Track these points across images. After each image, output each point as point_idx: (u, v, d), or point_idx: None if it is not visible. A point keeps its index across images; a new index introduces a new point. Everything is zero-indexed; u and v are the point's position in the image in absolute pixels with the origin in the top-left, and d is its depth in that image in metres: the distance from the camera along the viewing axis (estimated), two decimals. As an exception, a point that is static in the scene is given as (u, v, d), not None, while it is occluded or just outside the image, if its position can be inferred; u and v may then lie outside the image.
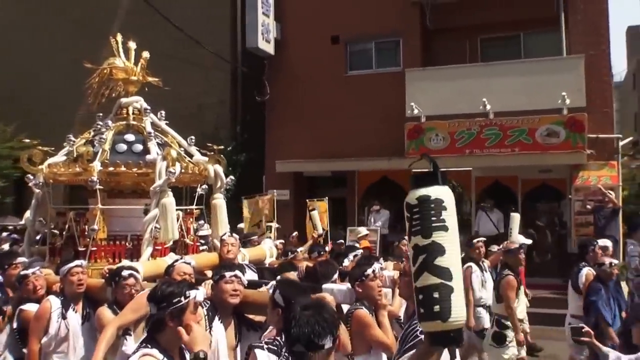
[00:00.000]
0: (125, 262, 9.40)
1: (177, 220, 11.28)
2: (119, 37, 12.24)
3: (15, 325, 9.26)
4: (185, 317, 5.43)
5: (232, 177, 12.42)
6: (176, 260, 8.79)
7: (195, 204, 12.34)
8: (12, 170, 29.98)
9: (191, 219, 12.29)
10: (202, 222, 12.90)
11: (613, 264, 11.91)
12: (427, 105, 24.74)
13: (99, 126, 11.64)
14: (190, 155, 12.07)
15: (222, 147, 12.47)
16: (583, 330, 9.35)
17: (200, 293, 5.65)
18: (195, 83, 22.78)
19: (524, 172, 24.79)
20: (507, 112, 23.71)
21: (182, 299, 5.46)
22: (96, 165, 10.78)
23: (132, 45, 12.33)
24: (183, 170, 11.28)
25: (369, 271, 7.65)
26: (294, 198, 26.60)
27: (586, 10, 24.07)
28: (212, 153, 12.14)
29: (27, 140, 12.08)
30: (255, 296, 7.70)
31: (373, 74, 27.81)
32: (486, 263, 14.12)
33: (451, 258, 3.49)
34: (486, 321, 13.27)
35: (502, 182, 25.86)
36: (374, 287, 7.66)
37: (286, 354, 5.13)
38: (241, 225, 18.45)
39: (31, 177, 11.53)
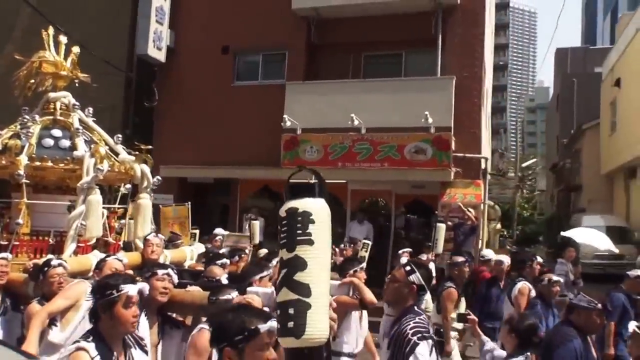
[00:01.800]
0: (51, 257, 9.11)
1: (102, 218, 11.06)
2: (51, 31, 11.93)
3: None
4: (116, 309, 5.50)
5: (158, 177, 12.24)
6: (108, 256, 8.69)
7: (118, 203, 12.22)
8: None
9: (115, 218, 12.14)
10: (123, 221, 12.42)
11: (553, 281, 11.98)
12: (304, 118, 24.92)
13: (25, 120, 11.32)
14: (116, 154, 11.83)
15: (150, 147, 12.26)
16: (468, 317, 9.98)
17: (133, 288, 5.73)
18: (91, 87, 22.44)
19: (398, 187, 25.10)
20: (379, 128, 24.04)
21: (115, 292, 5.54)
22: (23, 158, 10.54)
23: (63, 39, 12.08)
24: (109, 169, 11.08)
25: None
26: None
27: (463, 34, 24.69)
28: (139, 152, 11.98)
29: None
30: (181, 295, 7.66)
31: (259, 85, 27.92)
32: None
33: (313, 274, 3.34)
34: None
35: (376, 196, 26.41)
36: None
37: None
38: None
39: None
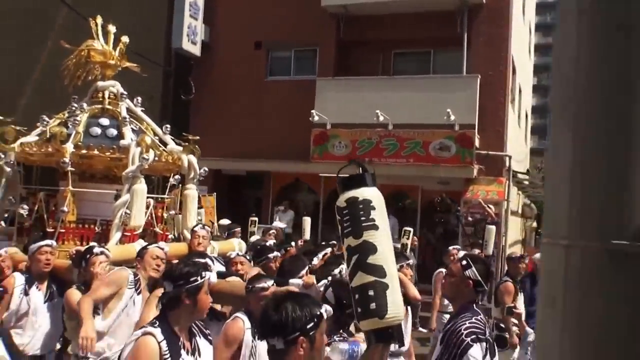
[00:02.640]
0: (93, 245, 8.97)
1: (148, 208, 10.92)
2: (99, 20, 11.80)
3: None
4: (200, 295, 5.42)
5: (205, 168, 12.05)
6: (150, 244, 8.56)
7: (167, 194, 12.01)
8: None
9: (162, 209, 11.89)
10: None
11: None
12: (334, 113, 24.84)
13: (73, 108, 11.20)
14: (165, 144, 11.69)
15: (198, 137, 11.99)
16: (514, 309, 10.31)
17: (213, 275, 5.70)
18: (130, 78, 22.16)
19: (425, 182, 24.94)
20: (406, 125, 23.90)
21: (199, 278, 5.43)
22: (69, 146, 10.39)
23: (112, 29, 11.93)
24: (157, 159, 10.90)
25: (336, 271, 7.55)
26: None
27: (489, 33, 24.41)
28: (187, 143, 11.80)
29: (1, 118, 11.30)
30: (220, 285, 7.26)
31: (290, 80, 27.86)
32: None
33: (383, 256, 3.42)
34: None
35: (403, 191, 25.99)
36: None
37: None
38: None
39: (2, 155, 10.88)
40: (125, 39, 11.92)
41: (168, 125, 12.11)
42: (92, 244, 9.20)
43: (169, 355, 5.17)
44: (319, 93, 25.54)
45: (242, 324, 6.35)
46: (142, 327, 5.34)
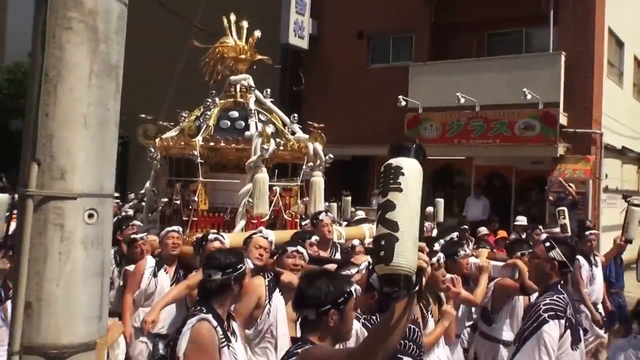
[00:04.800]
0: (210, 232, 9.16)
1: (275, 196, 11.11)
2: (232, 17, 11.96)
3: (121, 282, 9.64)
4: (244, 280, 5.87)
5: (330, 155, 12.05)
6: (255, 233, 8.48)
7: (299, 181, 12.05)
8: None
9: (290, 196, 11.97)
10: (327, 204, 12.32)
11: None
12: (425, 97, 24.96)
13: (208, 103, 11.51)
14: (293, 133, 11.77)
15: (322, 125, 11.97)
16: None
17: (249, 262, 6.28)
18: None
19: (519, 162, 24.73)
20: (492, 105, 23.70)
21: (243, 265, 5.84)
22: (198, 140, 10.65)
23: (245, 24, 12.07)
24: (282, 147, 11.12)
25: (434, 260, 7.27)
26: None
27: (575, 9, 23.84)
28: (314, 130, 11.86)
29: (143, 115, 11.80)
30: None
31: (389, 67, 28.19)
32: (598, 258, 12.36)
33: (401, 214, 3.50)
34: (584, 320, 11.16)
35: (498, 172, 25.81)
36: (437, 276, 7.32)
37: None
38: None
39: (152, 150, 11.37)
40: (257, 33, 12.02)
41: (296, 115, 12.14)
42: (210, 231, 9.39)
43: (224, 339, 5.46)
44: (412, 78, 25.71)
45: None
46: (193, 315, 5.47)
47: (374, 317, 5.53)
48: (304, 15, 28.56)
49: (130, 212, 15.13)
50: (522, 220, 16.32)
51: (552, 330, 5.46)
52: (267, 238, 8.28)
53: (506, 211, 24.08)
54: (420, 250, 3.62)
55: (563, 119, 23.02)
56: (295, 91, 28.75)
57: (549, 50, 24.08)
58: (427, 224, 15.20)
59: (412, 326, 5.63)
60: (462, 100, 23.33)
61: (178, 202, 11.19)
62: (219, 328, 5.43)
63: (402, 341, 5.29)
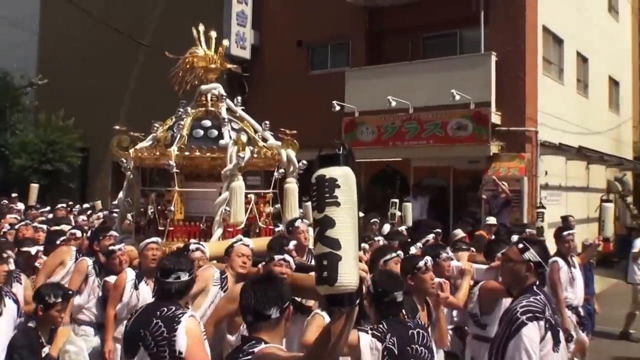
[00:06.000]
0: (191, 242, 9.34)
1: (249, 203, 11.09)
2: (201, 27, 11.96)
3: (100, 294, 9.65)
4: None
5: (304, 161, 11.99)
6: (237, 241, 8.52)
7: (271, 188, 12.03)
8: (74, 159, 33.77)
9: (264, 203, 11.97)
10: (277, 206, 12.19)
11: None
12: (361, 101, 25.07)
13: (179, 112, 11.53)
14: (265, 140, 11.84)
15: (295, 131, 12.06)
16: None
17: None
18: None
19: (456, 162, 24.77)
20: (425, 107, 23.68)
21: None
22: (173, 150, 10.68)
23: (213, 34, 12.08)
24: (256, 155, 11.12)
25: (421, 264, 7.31)
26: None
27: (505, 9, 23.92)
28: (286, 137, 11.93)
29: (117, 127, 11.82)
30: (302, 280, 7.36)
31: (328, 73, 28.34)
32: (576, 259, 11.79)
33: (341, 230, 3.53)
34: (569, 324, 10.91)
35: (436, 172, 25.86)
36: (426, 279, 7.27)
37: (391, 339, 5.43)
38: None
39: (124, 161, 11.39)
40: (225, 42, 12.36)
41: (267, 122, 12.22)
42: (191, 241, 9.55)
43: (204, 332, 5.88)
44: (348, 83, 25.85)
45: (322, 321, 6.26)
46: (184, 313, 5.69)
47: (380, 326, 5.59)
48: (245, 27, 29.17)
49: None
50: (491, 220, 16.31)
51: (531, 332, 5.37)
52: (248, 246, 8.35)
53: (445, 211, 24.21)
54: (359, 259, 3.66)
55: (496, 118, 23.16)
56: (243, 99, 28.72)
57: (481, 51, 24.31)
58: (402, 227, 15.28)
59: (423, 332, 5.71)
60: (394, 104, 23.38)
61: (151, 212, 11.20)
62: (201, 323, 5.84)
63: (414, 347, 5.47)
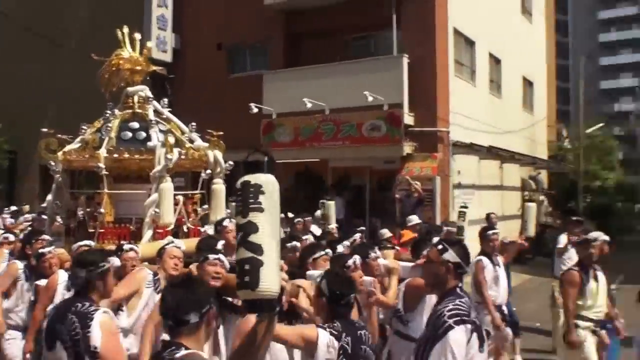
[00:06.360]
0: (123, 243, 9.19)
1: (178, 205, 11.10)
2: (125, 29, 11.95)
3: (32, 297, 9.41)
4: (108, 278, 5.97)
5: (230, 162, 12.06)
6: (168, 243, 8.47)
7: (198, 189, 12.10)
8: (2, 161, 33.79)
9: (192, 204, 11.98)
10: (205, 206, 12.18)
11: None
12: (279, 103, 25.29)
13: (107, 115, 11.49)
14: (192, 141, 11.84)
15: (222, 132, 12.12)
16: None
17: (116, 260, 6.62)
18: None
19: (373, 162, 24.89)
20: (341, 109, 23.96)
21: (105, 264, 5.95)
22: (102, 152, 10.66)
23: (138, 36, 12.10)
24: (183, 156, 11.14)
25: (350, 262, 7.39)
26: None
27: (416, 12, 24.30)
28: (213, 138, 11.96)
29: (45, 130, 11.58)
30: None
31: (247, 76, 28.50)
32: (500, 258, 11.62)
33: (264, 235, 3.63)
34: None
35: (354, 172, 26.01)
36: (355, 278, 7.15)
37: (346, 339, 5.44)
38: None
39: (52, 164, 11.25)
40: (150, 44, 12.14)
41: (194, 123, 12.24)
42: (123, 242, 9.40)
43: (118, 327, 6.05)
44: (266, 86, 26.08)
45: (254, 319, 6.29)
46: (97, 310, 5.64)
47: (336, 325, 5.55)
48: (166, 30, 29.13)
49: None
50: (414, 219, 16.39)
51: (458, 336, 5.32)
52: (180, 247, 8.33)
53: (362, 210, 24.48)
54: (280, 268, 3.78)
55: (409, 119, 23.45)
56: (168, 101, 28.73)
57: (394, 54, 24.57)
58: (332, 226, 15.35)
59: (367, 332, 5.77)
60: (309, 105, 23.61)
61: (81, 214, 11.02)
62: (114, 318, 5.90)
63: (363, 347, 5.53)
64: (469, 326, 5.37)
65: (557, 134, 45.10)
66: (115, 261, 6.23)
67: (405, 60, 23.68)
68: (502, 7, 30.99)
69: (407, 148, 23.28)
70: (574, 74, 44.82)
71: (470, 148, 25.02)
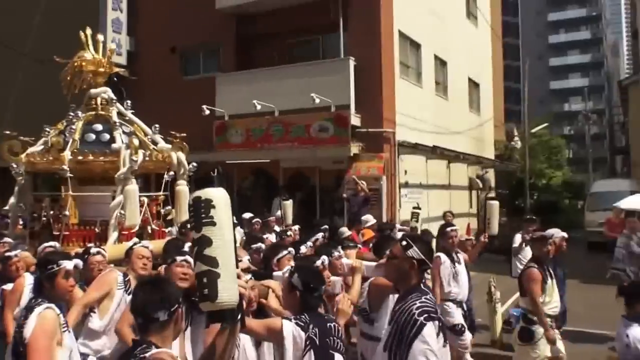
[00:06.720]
0: (90, 246, 9.18)
1: (142, 206, 11.07)
2: (88, 31, 11.93)
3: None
4: (57, 280, 5.96)
5: (194, 163, 12.05)
6: (135, 244, 8.43)
7: (162, 190, 12.02)
8: None
9: (156, 205, 11.95)
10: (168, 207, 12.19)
11: None
12: (231, 105, 25.44)
13: (70, 117, 11.35)
14: (155, 143, 11.79)
15: (185, 134, 12.12)
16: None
17: (70, 263, 6.13)
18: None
19: (322, 163, 25.04)
20: (290, 110, 24.12)
21: (55, 266, 5.98)
22: (66, 154, 10.59)
23: (100, 38, 12.06)
24: (147, 158, 11.09)
25: (318, 263, 7.40)
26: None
27: (361, 16, 24.54)
28: (177, 140, 11.95)
29: (8, 132, 11.44)
30: None
31: (200, 78, 28.63)
32: (461, 255, 11.54)
33: (218, 248, 3.74)
34: (457, 317, 10.87)
35: (304, 173, 26.12)
36: None
37: (313, 330, 5.41)
38: None
39: (14, 166, 11.10)
40: (112, 46, 12.12)
41: (157, 125, 12.17)
42: (89, 245, 9.33)
43: (65, 325, 5.85)
44: (219, 88, 26.24)
45: None
46: (40, 304, 5.71)
47: (302, 316, 5.52)
48: (120, 33, 28.74)
49: None
50: (370, 219, 16.40)
51: (431, 332, 5.36)
52: (148, 247, 8.28)
53: (312, 210, 24.64)
54: (238, 277, 3.96)
55: (356, 120, 23.60)
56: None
57: (341, 56, 24.74)
58: (294, 227, 15.38)
59: (337, 325, 5.72)
60: (259, 107, 23.75)
61: (44, 216, 11.02)
62: (61, 316, 5.78)
63: (332, 339, 5.51)
64: (437, 322, 5.43)
65: (506, 133, 45.52)
66: (69, 264, 6.08)
67: (352, 63, 23.76)
68: (448, 11, 31.29)
69: (354, 148, 23.36)
70: (524, 74, 45.24)
71: (415, 148, 25.13)
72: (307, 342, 5.37)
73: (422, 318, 5.33)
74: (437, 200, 26.54)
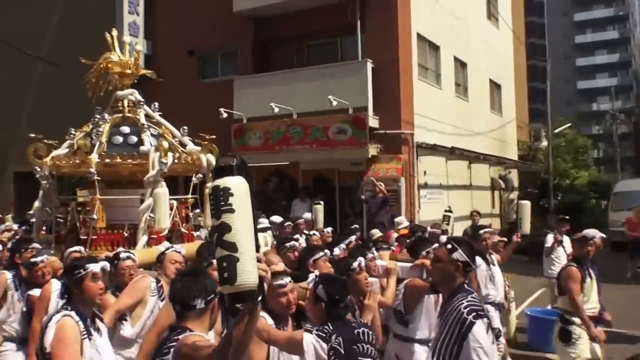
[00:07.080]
0: (120, 250, 8.91)
1: (172, 209, 10.87)
2: (114, 32, 11.77)
3: (24, 308, 8.99)
4: (85, 284, 5.89)
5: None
6: (168, 248, 8.31)
7: (190, 193, 11.87)
8: None
9: (185, 208, 11.80)
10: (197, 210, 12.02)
11: None
12: (249, 108, 25.44)
13: (96, 119, 11.17)
14: (184, 145, 11.63)
15: (214, 136, 12.04)
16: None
17: (97, 265, 6.09)
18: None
19: (340, 164, 25.03)
20: (309, 113, 24.12)
21: (82, 270, 5.93)
22: (94, 157, 10.38)
23: (127, 39, 11.97)
24: (176, 161, 10.93)
25: (355, 265, 7.34)
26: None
27: (379, 17, 24.56)
28: (205, 142, 11.80)
29: (33, 135, 11.26)
30: None
31: (218, 81, 28.89)
32: (494, 256, 11.26)
33: (237, 234, 3.77)
34: (496, 320, 10.24)
35: (324, 174, 26.06)
36: (360, 280, 7.30)
37: (337, 340, 5.43)
38: None
39: (38, 169, 11.02)
40: (139, 47, 11.91)
41: (186, 127, 12.01)
42: (119, 249, 9.15)
43: (85, 332, 5.69)
44: (236, 91, 26.25)
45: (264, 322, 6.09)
46: (59, 312, 5.74)
47: (325, 327, 5.54)
48: (137, 37, 28.51)
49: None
50: (404, 221, 16.24)
51: (482, 330, 5.46)
52: (180, 252, 8.16)
53: (332, 211, 24.18)
54: (258, 260, 3.87)
55: (374, 122, 23.54)
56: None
57: (359, 58, 24.68)
58: (326, 230, 15.18)
59: (367, 330, 5.73)
60: (277, 110, 23.73)
61: (70, 220, 10.84)
62: (80, 323, 5.65)
63: (360, 345, 5.51)
64: (485, 320, 5.53)
65: (529, 133, 45.44)
66: (96, 266, 6.07)
67: (370, 65, 23.71)
68: (468, 13, 31.25)
69: (373, 150, 23.32)
70: (548, 75, 45.29)
71: (434, 149, 25.08)
72: (331, 353, 5.41)
73: (471, 316, 5.45)
74: (459, 201, 26.39)
